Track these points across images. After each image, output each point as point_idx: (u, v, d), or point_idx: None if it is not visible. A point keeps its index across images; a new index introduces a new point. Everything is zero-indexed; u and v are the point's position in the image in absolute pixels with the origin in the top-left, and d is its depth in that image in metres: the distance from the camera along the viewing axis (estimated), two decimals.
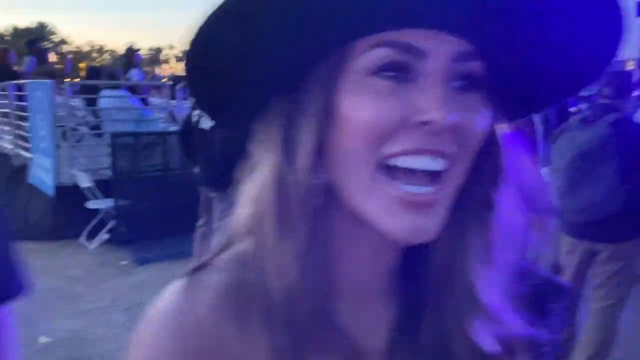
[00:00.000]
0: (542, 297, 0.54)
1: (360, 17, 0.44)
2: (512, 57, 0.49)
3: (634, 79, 3.16)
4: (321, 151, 0.47)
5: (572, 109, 4.38)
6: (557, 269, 3.40)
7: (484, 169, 0.49)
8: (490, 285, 0.48)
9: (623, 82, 3.00)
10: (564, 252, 3.16)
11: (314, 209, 0.47)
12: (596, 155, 2.80)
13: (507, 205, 0.50)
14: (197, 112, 3.98)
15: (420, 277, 0.52)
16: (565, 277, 3.16)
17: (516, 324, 0.49)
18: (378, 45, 0.45)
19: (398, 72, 0.45)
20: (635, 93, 5.75)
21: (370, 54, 0.45)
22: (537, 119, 3.90)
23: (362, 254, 0.52)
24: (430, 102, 0.44)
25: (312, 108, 0.47)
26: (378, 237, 0.49)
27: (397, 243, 0.49)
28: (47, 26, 59.86)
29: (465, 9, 0.44)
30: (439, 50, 0.45)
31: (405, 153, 0.45)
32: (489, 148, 0.49)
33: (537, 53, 0.49)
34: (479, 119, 0.47)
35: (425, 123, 0.44)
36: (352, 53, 0.46)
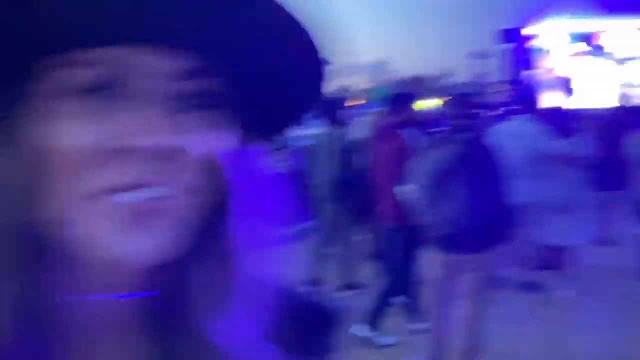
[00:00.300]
0: (304, 325, 0.52)
1: (54, 31, 0.38)
2: (242, 76, 0.45)
3: (495, 100, 3.47)
4: (25, 187, 0.40)
5: (434, 130, 4.69)
6: (421, 284, 3.59)
7: (212, 195, 0.44)
8: (228, 323, 0.45)
9: (474, 104, 3.28)
10: (432, 265, 3.33)
11: (28, 254, 0.40)
12: (452, 173, 3.01)
13: (242, 232, 0.46)
14: None
15: (162, 319, 0.47)
16: (435, 289, 3.33)
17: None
18: (77, 63, 0.39)
19: (104, 94, 0.39)
20: (491, 113, 6.32)
21: (70, 74, 0.39)
22: (412, 136, 4.13)
23: (98, 297, 0.45)
24: (141, 126, 0.39)
25: (5, 138, 0.40)
26: (111, 275, 0.43)
27: (134, 279, 0.44)
28: None
29: (182, 22, 0.39)
30: (152, 67, 0.40)
31: (116, 188, 0.39)
32: (219, 171, 0.44)
33: (259, 76, 0.46)
34: (205, 142, 0.42)
35: (136, 149, 0.39)
36: (48, 73, 0.40)
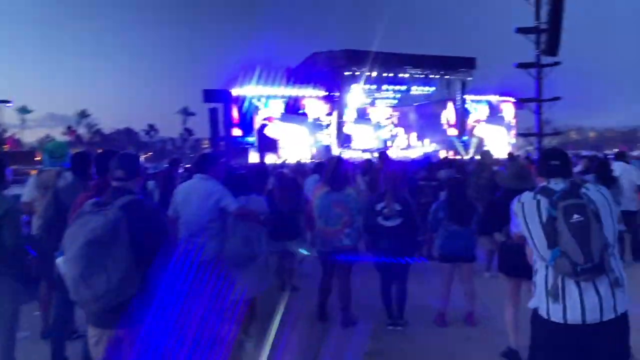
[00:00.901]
0: None
1: None
2: None
3: (188, 157, 3.35)
4: None
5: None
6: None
7: None
8: None
9: (132, 165, 3.09)
10: (92, 344, 2.99)
11: None
12: (109, 240, 2.74)
13: None
14: None
15: None
16: None
17: None
18: None
19: None
20: (180, 171, 6.35)
21: None
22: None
23: None
24: None
25: None
26: None
27: None
28: None
29: None
30: None
31: None
32: None
33: None
34: None
35: None
36: None
